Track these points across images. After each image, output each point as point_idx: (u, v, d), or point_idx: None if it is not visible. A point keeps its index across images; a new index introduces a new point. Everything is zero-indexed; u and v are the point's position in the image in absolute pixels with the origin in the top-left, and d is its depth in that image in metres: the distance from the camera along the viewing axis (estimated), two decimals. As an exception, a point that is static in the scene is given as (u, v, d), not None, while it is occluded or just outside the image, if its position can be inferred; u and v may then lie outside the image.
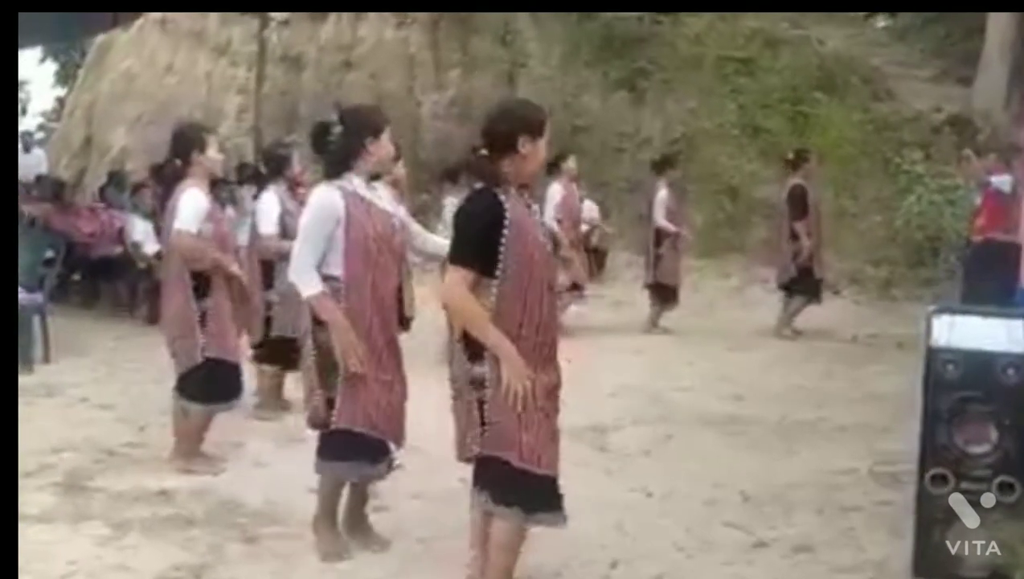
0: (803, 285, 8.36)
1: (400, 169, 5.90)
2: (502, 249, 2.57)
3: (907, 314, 9.27)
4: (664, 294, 8.53)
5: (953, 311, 3.08)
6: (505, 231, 2.57)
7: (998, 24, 11.76)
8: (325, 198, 3.09)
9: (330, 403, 3.11)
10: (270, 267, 5.00)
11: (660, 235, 8.47)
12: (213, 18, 13.59)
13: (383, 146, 3.17)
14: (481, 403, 2.64)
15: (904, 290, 10.48)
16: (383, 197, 3.31)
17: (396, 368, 3.18)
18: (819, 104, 12.23)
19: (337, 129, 3.12)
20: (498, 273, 2.58)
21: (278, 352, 4.90)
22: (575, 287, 7.90)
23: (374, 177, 3.34)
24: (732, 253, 11.61)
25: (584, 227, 10.41)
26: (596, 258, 11.20)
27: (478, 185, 2.74)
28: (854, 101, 12.26)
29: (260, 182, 5.34)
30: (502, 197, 2.62)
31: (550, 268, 2.68)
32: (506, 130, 2.66)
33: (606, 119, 12.91)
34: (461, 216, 2.72)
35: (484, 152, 2.70)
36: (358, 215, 3.09)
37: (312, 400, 3.16)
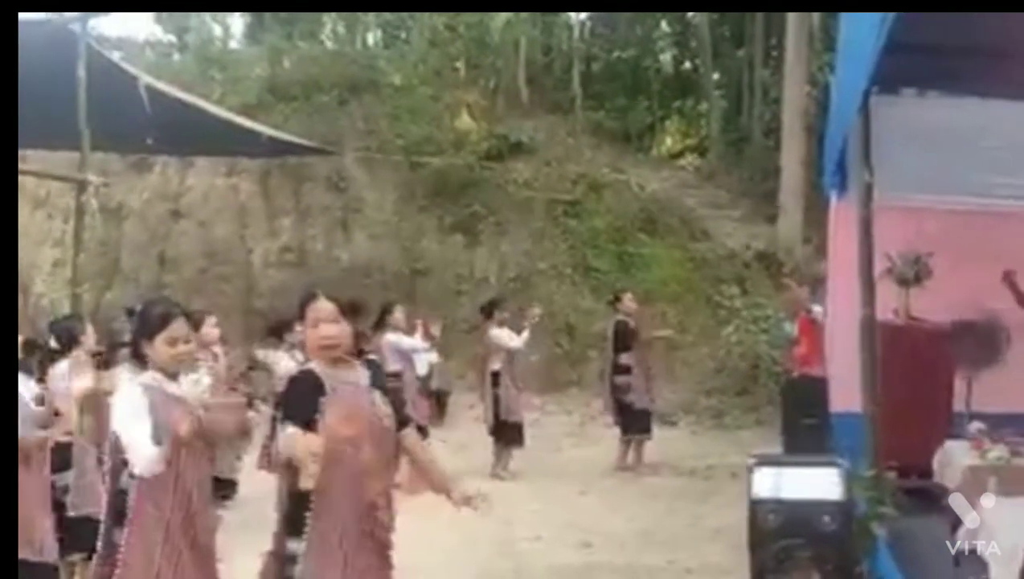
0: (626, 420, 8.63)
1: (211, 331, 5.69)
2: (320, 418, 2.75)
3: (739, 441, 9.83)
4: (508, 433, 8.51)
5: (772, 462, 3.33)
6: (323, 401, 2.78)
7: (789, 171, 13.02)
8: (129, 394, 3.05)
9: None
10: (64, 448, 4.55)
11: (497, 377, 8.62)
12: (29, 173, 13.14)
13: (161, 345, 3.09)
14: None
15: (734, 417, 11.06)
16: (199, 383, 3.25)
17: (200, 569, 3.05)
18: (643, 244, 13.07)
19: (126, 328, 3.16)
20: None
21: (82, 535, 4.28)
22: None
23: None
24: (572, 388, 12.00)
25: (424, 369, 10.58)
26: (437, 401, 11.17)
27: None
28: (674, 240, 13.18)
29: (52, 357, 4.80)
30: (318, 371, 2.84)
31: (377, 433, 2.83)
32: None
33: (444, 262, 13.25)
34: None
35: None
36: (161, 410, 3.06)
37: None
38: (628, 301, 8.86)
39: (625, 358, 8.59)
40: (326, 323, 2.82)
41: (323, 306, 2.84)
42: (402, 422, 2.96)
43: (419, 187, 13.86)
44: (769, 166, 13.97)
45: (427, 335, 10.65)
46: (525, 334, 8.49)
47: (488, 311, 8.73)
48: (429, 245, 13.44)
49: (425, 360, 10.69)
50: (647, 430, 8.69)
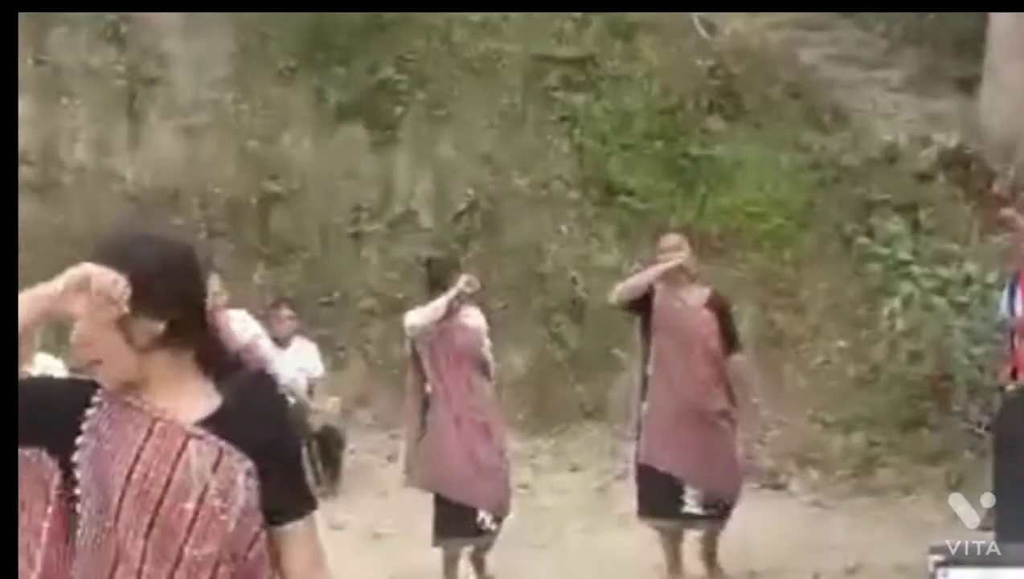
0: (642, 490, 8.72)
1: None
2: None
3: (908, 518, 9.86)
4: (449, 516, 8.66)
5: (975, 560, 3.29)
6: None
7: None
8: None
9: None
10: None
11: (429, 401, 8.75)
12: None
13: None
14: None
15: (897, 474, 11.08)
16: None
17: None
18: (717, 138, 13.01)
19: None
20: None
21: None
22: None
23: None
24: (584, 422, 12.10)
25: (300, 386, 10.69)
26: (323, 451, 11.24)
27: None
28: (778, 132, 13.13)
29: None
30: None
31: (167, 518, 2.92)
32: None
33: (324, 178, 13.29)
34: None
35: None
36: None
37: None
38: (670, 245, 8.79)
39: (651, 366, 8.72)
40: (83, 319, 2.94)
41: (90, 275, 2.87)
42: (278, 511, 3.02)
43: (276, 33, 13.84)
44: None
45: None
46: (439, 302, 8.67)
47: (438, 278, 9.00)
48: (298, 146, 13.47)
49: (294, 370, 10.98)
50: (681, 517, 8.65)
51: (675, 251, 8.66)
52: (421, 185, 13.31)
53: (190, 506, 2.87)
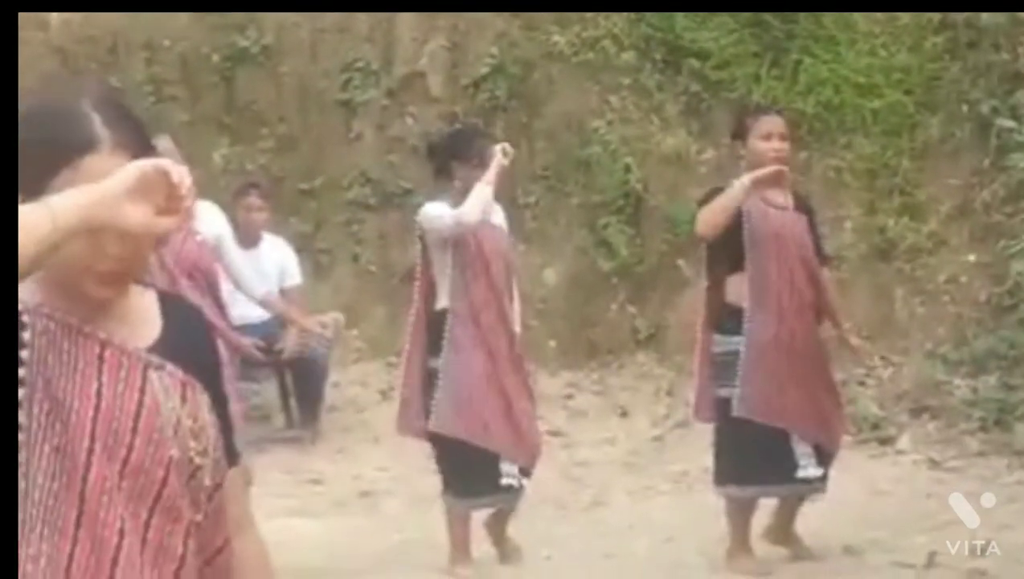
0: (721, 445, 8.73)
1: None
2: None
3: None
4: (467, 469, 8.72)
5: None
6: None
7: None
8: None
9: None
10: None
11: (441, 322, 8.75)
12: None
13: None
14: None
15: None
16: None
17: None
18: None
19: None
20: None
21: None
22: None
23: None
24: (636, 353, 12.17)
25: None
26: (298, 386, 11.48)
27: None
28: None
29: None
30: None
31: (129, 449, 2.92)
32: None
33: (306, 31, 13.25)
34: None
35: None
36: None
37: None
38: (775, 131, 8.58)
39: (733, 291, 8.62)
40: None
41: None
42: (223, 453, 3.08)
43: None
44: None
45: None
46: (484, 191, 8.57)
47: (445, 157, 8.97)
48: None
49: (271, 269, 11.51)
50: (795, 482, 8.66)
51: (779, 140, 8.51)
52: (431, 43, 12.99)
53: (164, 448, 2.88)
